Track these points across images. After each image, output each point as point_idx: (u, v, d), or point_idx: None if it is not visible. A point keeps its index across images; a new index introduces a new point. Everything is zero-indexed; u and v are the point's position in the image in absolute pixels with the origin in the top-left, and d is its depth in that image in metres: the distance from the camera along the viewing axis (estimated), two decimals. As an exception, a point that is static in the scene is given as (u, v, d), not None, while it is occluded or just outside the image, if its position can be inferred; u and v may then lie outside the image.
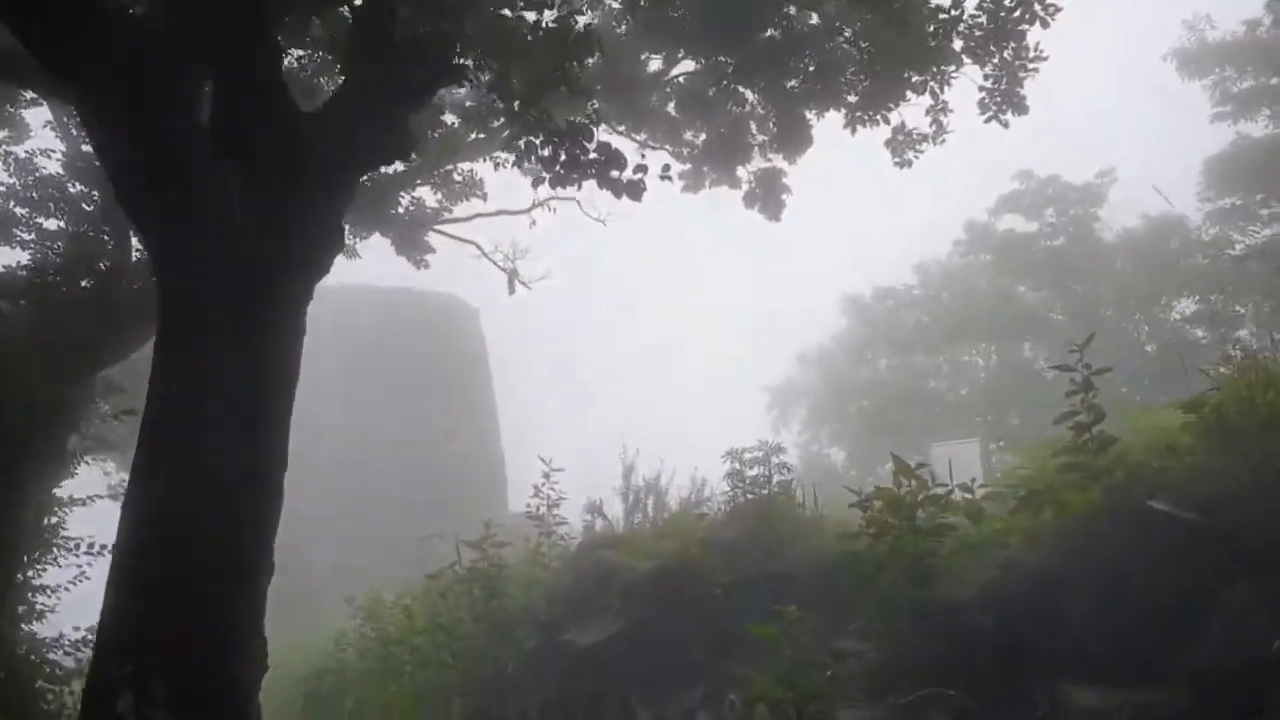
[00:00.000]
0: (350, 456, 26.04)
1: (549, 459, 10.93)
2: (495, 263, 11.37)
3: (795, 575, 7.78)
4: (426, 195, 10.98)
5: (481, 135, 10.84)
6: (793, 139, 11.74)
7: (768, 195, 13.12)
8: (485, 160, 10.99)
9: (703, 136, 13.22)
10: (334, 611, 21.39)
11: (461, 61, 6.44)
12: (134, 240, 9.25)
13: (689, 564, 8.07)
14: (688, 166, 13.73)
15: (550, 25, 6.92)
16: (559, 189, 8.13)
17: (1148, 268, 26.12)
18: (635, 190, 7.07)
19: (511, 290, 11.29)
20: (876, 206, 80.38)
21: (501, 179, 11.55)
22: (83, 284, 9.13)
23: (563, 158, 6.79)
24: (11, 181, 9.60)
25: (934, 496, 6.41)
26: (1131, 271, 26.84)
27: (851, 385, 40.84)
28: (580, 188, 7.08)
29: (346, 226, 11.20)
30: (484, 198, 10.94)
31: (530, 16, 6.88)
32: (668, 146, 13.44)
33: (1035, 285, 29.19)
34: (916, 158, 10.32)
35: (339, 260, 6.40)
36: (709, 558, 8.25)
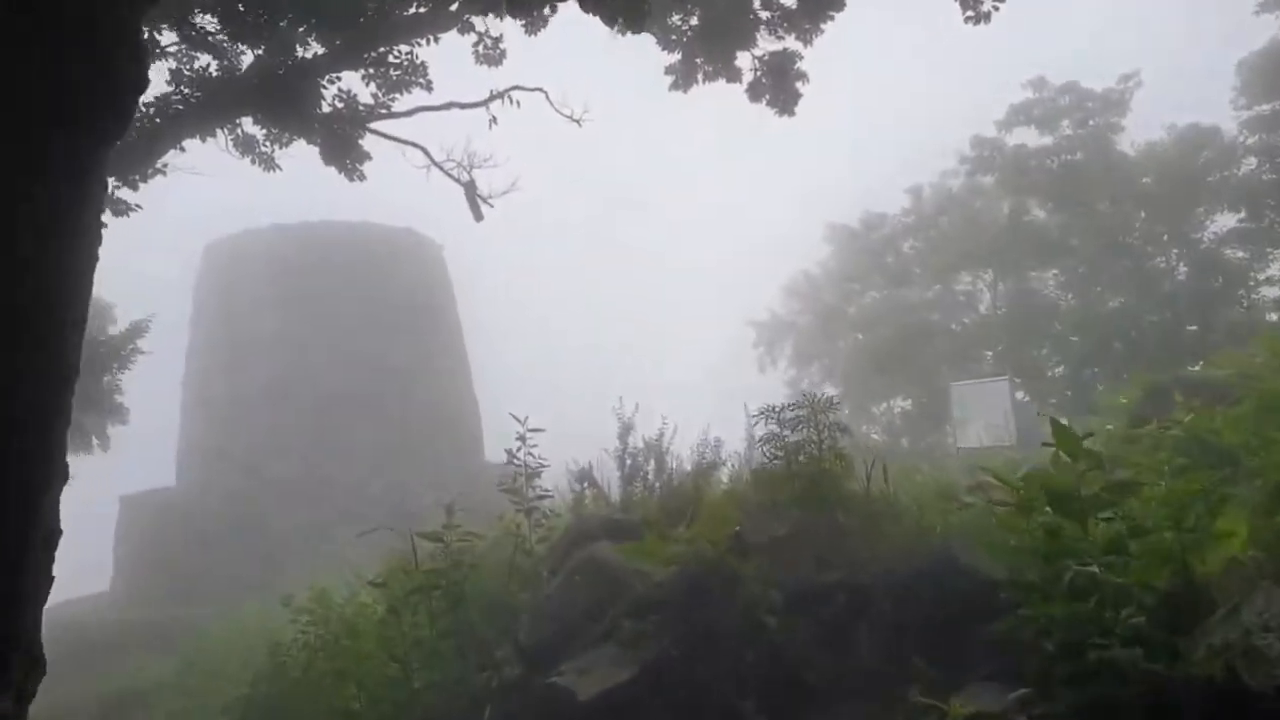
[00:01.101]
0: (310, 409, 23.70)
1: (524, 417, 8.60)
2: (448, 173, 8.91)
3: (875, 589, 5.69)
4: (358, 89, 8.47)
5: (423, 8, 8.31)
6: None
7: (779, 84, 10.77)
8: (427, 42, 8.46)
9: (695, 18, 10.77)
10: (297, 579, 19.42)
11: None
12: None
13: (721, 570, 5.93)
14: (676, 57, 11.28)
15: None
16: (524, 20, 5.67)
17: (1176, 183, 23.92)
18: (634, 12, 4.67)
19: (473, 206, 8.88)
20: (862, 126, 77.24)
21: (451, 72, 8.96)
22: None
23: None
24: None
25: (1122, 483, 4.22)
26: (1158, 188, 24.62)
27: (841, 317, 38.89)
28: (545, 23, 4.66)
29: (260, 131, 8.72)
30: (428, 87, 8.45)
31: None
32: (652, 31, 10.96)
33: (1050, 206, 26.95)
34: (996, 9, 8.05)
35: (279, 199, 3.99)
36: (746, 559, 6.13)
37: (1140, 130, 25.90)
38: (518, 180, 9.02)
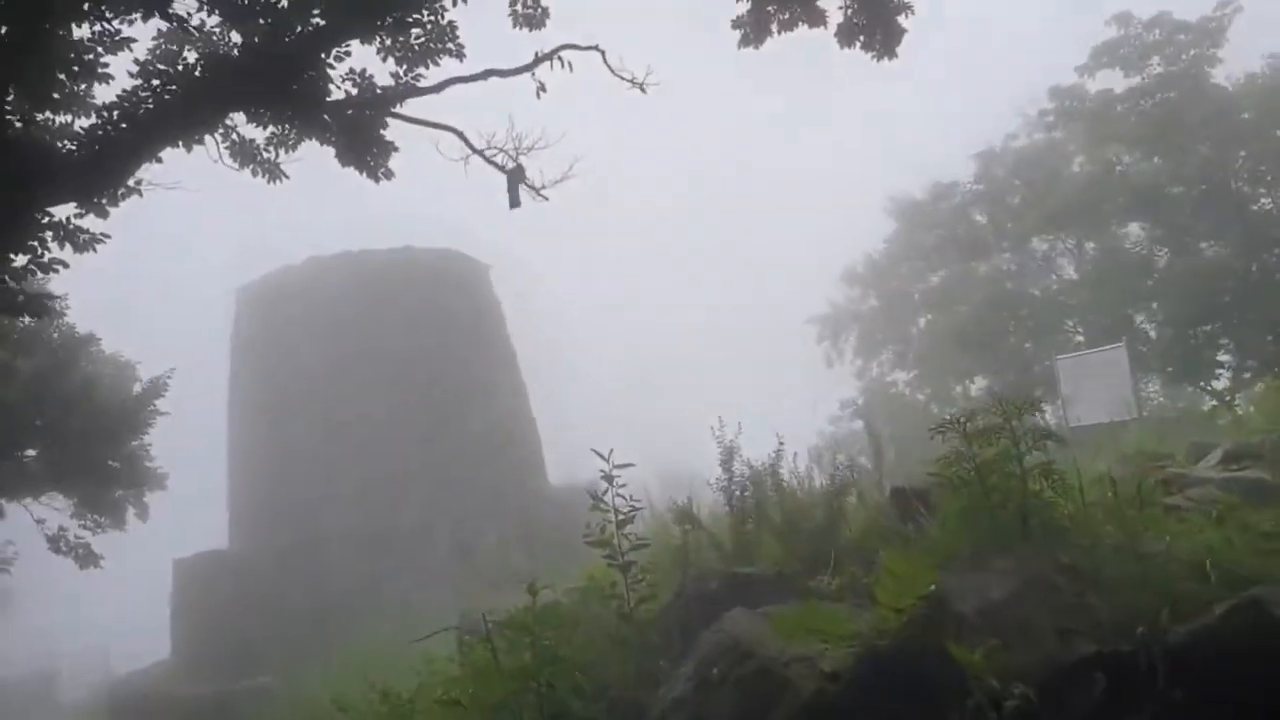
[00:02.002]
0: (362, 453, 22.36)
1: (608, 452, 6.86)
2: (491, 160, 7.29)
3: (1148, 662, 3.87)
4: (372, 66, 6.89)
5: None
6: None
7: (875, 21, 8.95)
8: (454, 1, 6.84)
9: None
10: (367, 637, 18.08)
11: None
12: None
13: (926, 656, 4.15)
14: (746, 8, 9.57)
15: None
16: None
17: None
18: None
19: (512, 193, 7.24)
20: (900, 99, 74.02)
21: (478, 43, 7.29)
22: None
23: None
24: None
25: None
26: (1261, 124, 22.09)
27: (908, 299, 36.69)
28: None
29: (262, 136, 7.17)
30: (459, 54, 6.85)
31: None
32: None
33: (1139, 154, 24.46)
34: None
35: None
36: (945, 631, 4.34)
37: (1237, 62, 23.39)
38: (575, 164, 7.37)
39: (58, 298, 12.47)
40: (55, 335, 12.48)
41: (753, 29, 9.67)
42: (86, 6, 5.90)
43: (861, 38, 9.04)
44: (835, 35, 9.26)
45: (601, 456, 6.69)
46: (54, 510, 14.14)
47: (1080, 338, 26.04)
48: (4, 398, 12.03)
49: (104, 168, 5.72)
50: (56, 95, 6.03)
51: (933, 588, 4.48)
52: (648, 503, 8.13)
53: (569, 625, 7.48)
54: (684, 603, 5.99)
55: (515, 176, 7.19)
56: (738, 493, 7.43)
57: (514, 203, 7.22)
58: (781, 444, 7.55)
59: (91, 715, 24.92)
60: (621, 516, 6.69)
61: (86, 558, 14.48)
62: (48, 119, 6.04)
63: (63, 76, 5.78)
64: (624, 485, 6.82)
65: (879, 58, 9.10)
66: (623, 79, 8.19)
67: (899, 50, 9.09)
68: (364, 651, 16.60)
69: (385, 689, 7.64)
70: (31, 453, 13.30)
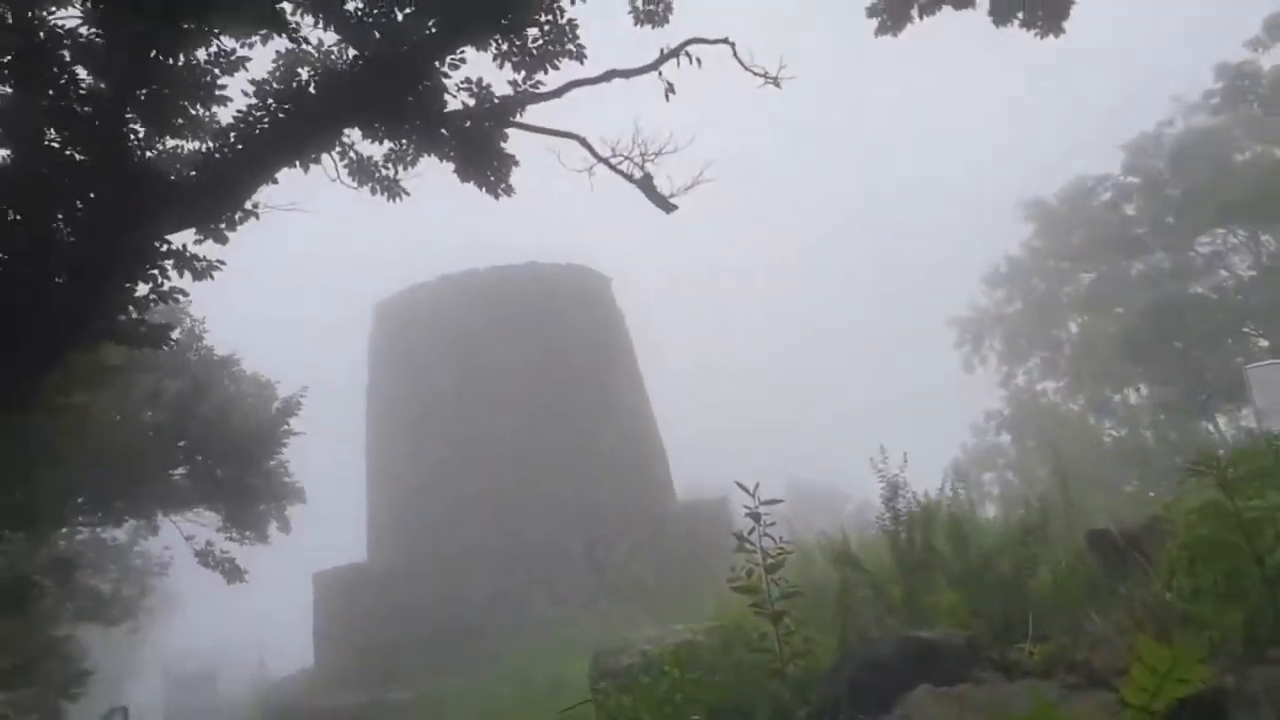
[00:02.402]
0: (496, 469, 22.37)
1: (754, 487, 6.11)
2: (617, 168, 6.68)
3: None
4: (491, 75, 6.42)
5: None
6: None
7: (1040, -6, 7.90)
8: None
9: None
10: (500, 653, 17.84)
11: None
12: None
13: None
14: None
15: None
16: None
17: None
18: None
19: (658, 200, 6.57)
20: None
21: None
22: None
23: None
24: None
25: None
26: None
27: (1057, 301, 34.22)
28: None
29: (380, 152, 6.81)
30: (579, 56, 6.27)
31: None
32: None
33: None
34: None
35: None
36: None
37: None
38: (706, 169, 6.67)
39: (196, 320, 12.82)
40: (194, 358, 12.81)
41: (891, 15, 8.78)
42: (207, 29, 5.69)
43: (1021, 14, 8.00)
44: (990, 12, 8.25)
45: (746, 491, 5.96)
46: (200, 526, 14.56)
47: (1265, 342, 23.37)
48: (152, 420, 12.38)
49: (221, 191, 5.47)
50: (178, 121, 5.85)
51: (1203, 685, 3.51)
52: (785, 525, 7.28)
53: (708, 669, 6.77)
54: (851, 670, 5.16)
55: (645, 185, 6.58)
56: (903, 534, 6.52)
57: (666, 208, 6.58)
58: (958, 483, 6.61)
59: (246, 716, 25.97)
60: (771, 560, 5.97)
61: (232, 572, 14.83)
62: (166, 146, 5.87)
63: (184, 103, 5.58)
64: (772, 524, 6.09)
65: (1042, 35, 8.03)
66: (755, 74, 7.46)
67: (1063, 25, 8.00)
68: (503, 672, 16.41)
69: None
70: (180, 472, 13.69)
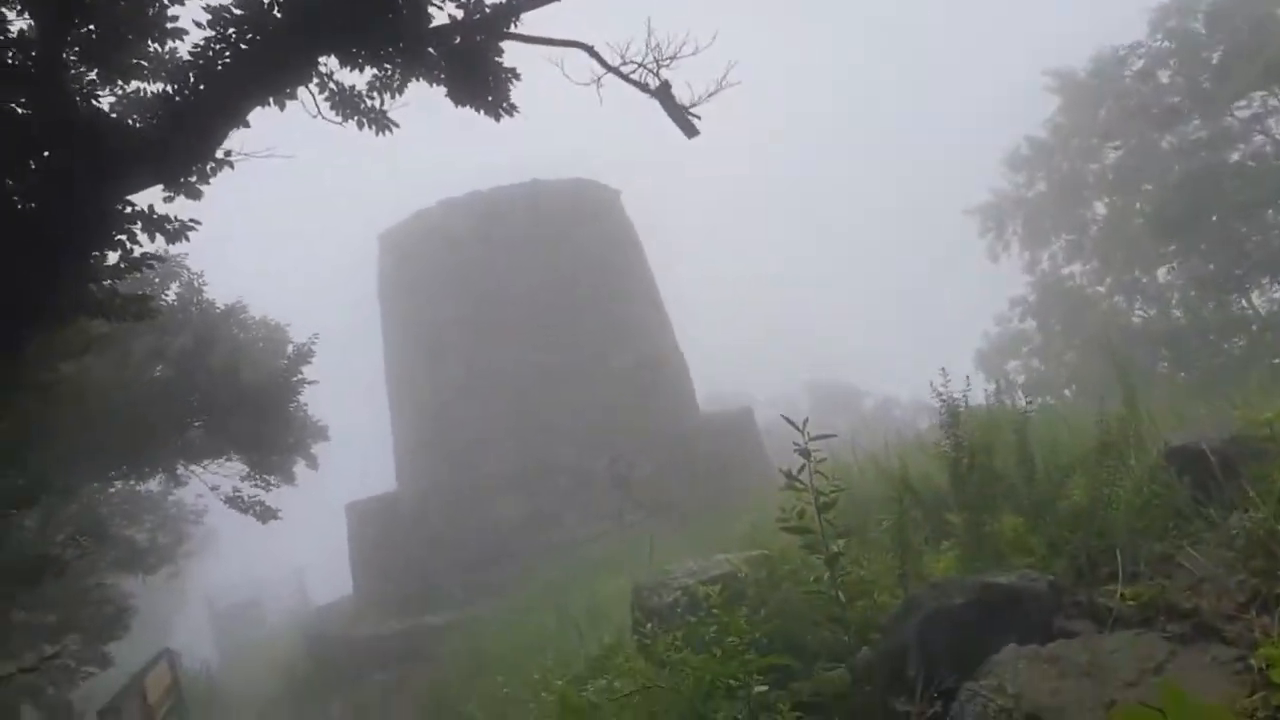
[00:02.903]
0: (514, 392, 22.07)
1: (803, 422, 5.60)
2: (628, 77, 5.93)
3: None
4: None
5: None
6: None
7: None
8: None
9: None
10: (536, 578, 17.84)
11: None
12: None
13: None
14: None
15: None
16: None
17: None
18: None
19: (679, 120, 5.85)
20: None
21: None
22: None
23: None
24: None
25: None
26: None
27: (1083, 180, 32.93)
28: None
29: (362, 81, 6.09)
30: (580, -48, 5.48)
31: None
32: None
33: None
34: None
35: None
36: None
37: None
38: (729, 71, 5.90)
39: (195, 274, 12.28)
40: (195, 312, 12.34)
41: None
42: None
43: None
44: None
45: (795, 426, 5.48)
46: (225, 478, 14.38)
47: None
48: (161, 377, 12.00)
49: (187, 140, 4.82)
50: (133, 61, 5.16)
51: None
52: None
53: (753, 604, 6.46)
54: (920, 619, 4.74)
55: (663, 96, 5.84)
56: (966, 461, 6.03)
57: (689, 131, 5.85)
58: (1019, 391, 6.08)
59: (289, 644, 26.57)
60: (824, 499, 5.54)
61: (265, 513, 14.73)
62: (125, 92, 5.20)
63: (130, 37, 4.87)
64: (823, 459, 5.63)
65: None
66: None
67: None
68: (537, 595, 16.43)
69: (562, 691, 6.89)
70: (196, 425, 13.41)
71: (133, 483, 17.84)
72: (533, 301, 22.53)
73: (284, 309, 15.23)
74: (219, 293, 13.16)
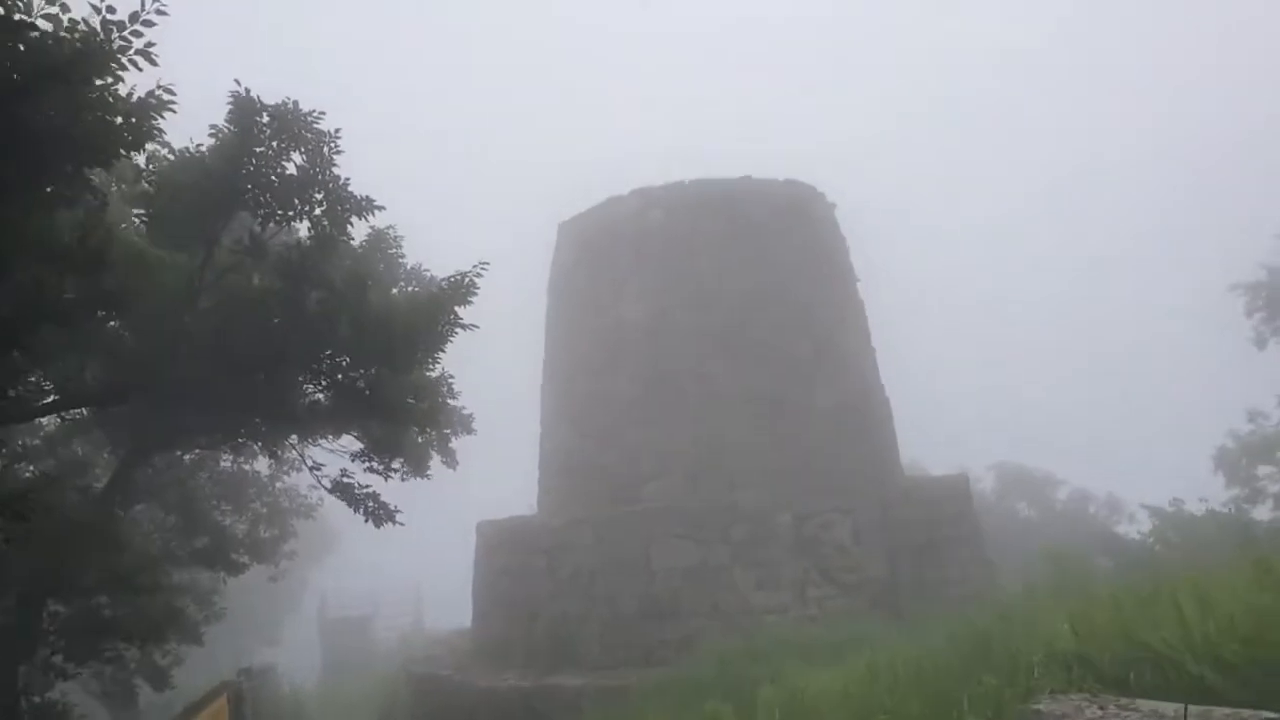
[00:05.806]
0: (696, 417, 18.38)
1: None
2: None
3: None
4: None
5: None
6: None
7: None
8: None
9: None
10: (704, 649, 14.25)
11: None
12: None
13: None
14: None
15: None
16: None
17: None
18: None
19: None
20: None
21: None
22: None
23: None
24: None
25: None
26: None
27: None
28: None
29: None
30: None
31: None
32: None
33: None
34: None
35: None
36: None
37: None
38: None
39: (378, 206, 8.89)
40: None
41: None
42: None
43: None
44: None
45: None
46: (341, 458, 11.26)
47: None
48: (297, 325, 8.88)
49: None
50: None
51: None
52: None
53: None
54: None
55: None
56: None
57: None
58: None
59: (394, 673, 23.55)
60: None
61: (380, 512, 11.36)
62: None
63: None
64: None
65: None
66: None
67: None
68: (706, 673, 12.60)
69: None
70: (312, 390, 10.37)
71: (243, 462, 15.15)
72: (731, 314, 18.88)
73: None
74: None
